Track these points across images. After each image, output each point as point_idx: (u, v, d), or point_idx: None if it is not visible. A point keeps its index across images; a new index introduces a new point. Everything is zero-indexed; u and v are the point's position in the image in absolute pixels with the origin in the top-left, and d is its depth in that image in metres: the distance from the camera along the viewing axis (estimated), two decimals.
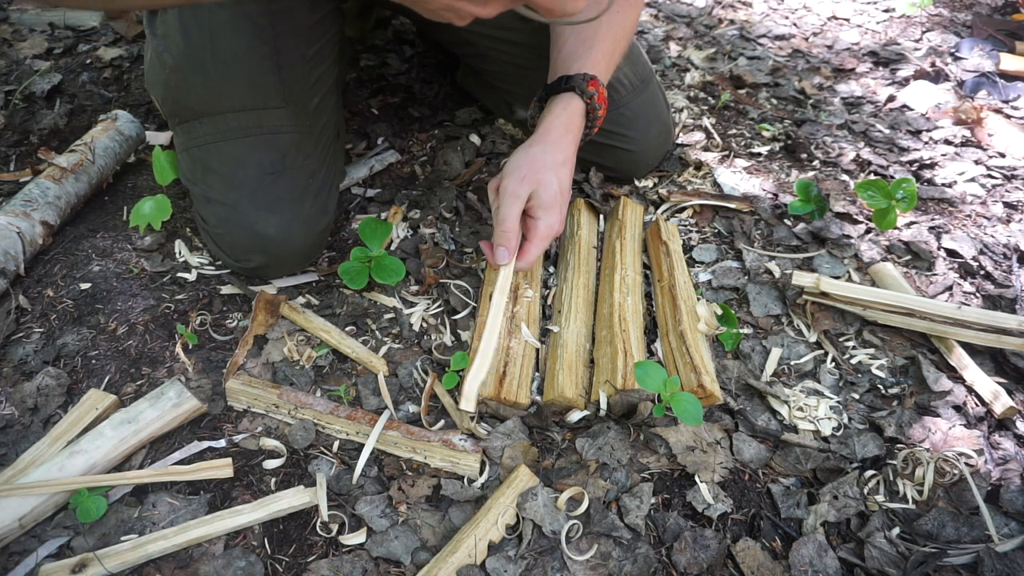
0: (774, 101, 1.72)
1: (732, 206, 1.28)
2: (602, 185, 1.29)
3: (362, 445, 0.84)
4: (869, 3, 2.41)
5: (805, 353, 1.01)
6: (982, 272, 1.17)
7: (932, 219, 1.29)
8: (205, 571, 0.71)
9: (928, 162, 1.47)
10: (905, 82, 1.83)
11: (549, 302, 1.06)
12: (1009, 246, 1.23)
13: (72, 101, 1.45)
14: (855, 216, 1.27)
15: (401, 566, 0.73)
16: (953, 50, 2.00)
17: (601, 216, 1.23)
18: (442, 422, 0.89)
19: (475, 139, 1.42)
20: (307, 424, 0.85)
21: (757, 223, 1.26)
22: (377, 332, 1.01)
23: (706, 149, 1.47)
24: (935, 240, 1.24)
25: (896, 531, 0.78)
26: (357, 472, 0.81)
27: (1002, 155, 1.50)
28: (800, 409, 0.92)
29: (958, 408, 0.93)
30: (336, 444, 0.85)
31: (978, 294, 1.13)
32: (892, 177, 1.41)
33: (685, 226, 1.25)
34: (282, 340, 0.96)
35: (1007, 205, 1.35)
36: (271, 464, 0.83)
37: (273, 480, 0.81)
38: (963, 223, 1.29)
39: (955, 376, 0.97)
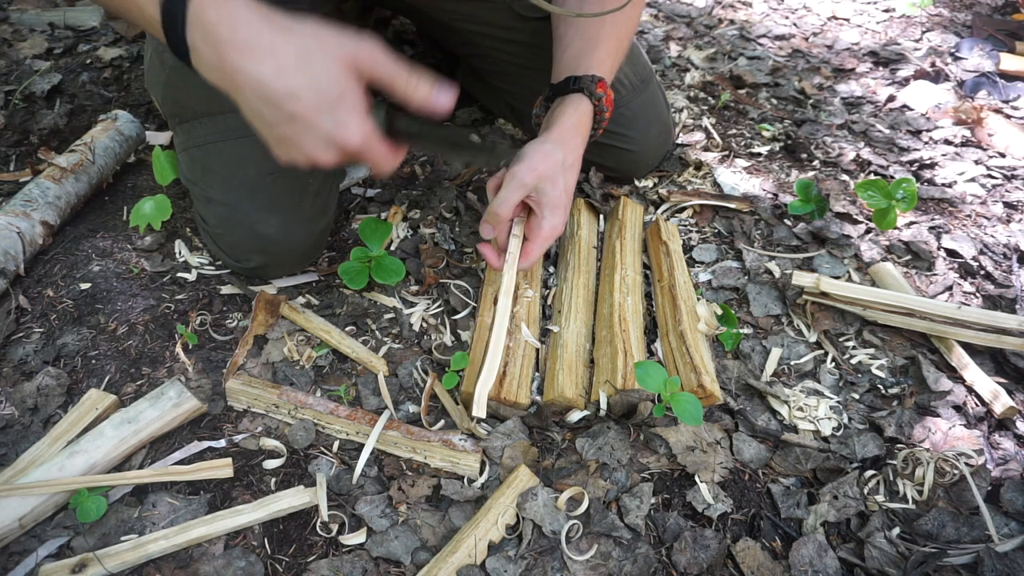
0: (774, 101, 1.72)
1: (732, 206, 1.28)
2: (602, 185, 1.29)
3: (362, 445, 0.84)
4: (869, 3, 2.41)
5: (805, 353, 1.01)
6: (982, 272, 1.17)
7: (932, 219, 1.29)
8: (205, 571, 0.71)
9: (928, 162, 1.47)
10: (905, 82, 1.83)
11: (549, 302, 1.06)
12: (1009, 246, 1.23)
13: (72, 101, 1.45)
14: (855, 216, 1.27)
15: (401, 566, 0.73)
16: (953, 50, 2.00)
17: (601, 216, 1.23)
18: (442, 422, 0.89)
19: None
20: (307, 424, 0.85)
21: (757, 223, 1.26)
22: (377, 332, 1.01)
23: (706, 149, 1.47)
24: (935, 240, 1.24)
25: (896, 531, 0.78)
26: (357, 472, 0.81)
27: (1002, 155, 1.50)
28: (800, 409, 0.92)
29: (958, 408, 0.93)
30: (336, 444, 0.85)
31: (978, 294, 1.13)
32: (892, 177, 1.41)
33: (685, 226, 1.25)
34: (282, 340, 0.96)
35: (1007, 205, 1.35)
36: (271, 464, 0.83)
37: (273, 480, 0.81)
38: (963, 223, 1.29)
39: (955, 376, 0.97)
